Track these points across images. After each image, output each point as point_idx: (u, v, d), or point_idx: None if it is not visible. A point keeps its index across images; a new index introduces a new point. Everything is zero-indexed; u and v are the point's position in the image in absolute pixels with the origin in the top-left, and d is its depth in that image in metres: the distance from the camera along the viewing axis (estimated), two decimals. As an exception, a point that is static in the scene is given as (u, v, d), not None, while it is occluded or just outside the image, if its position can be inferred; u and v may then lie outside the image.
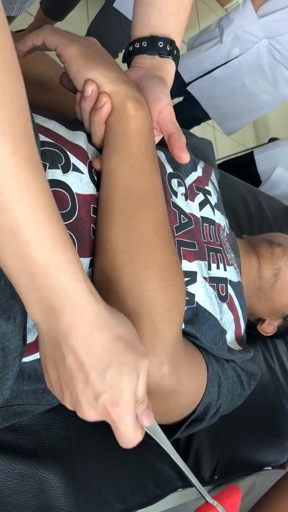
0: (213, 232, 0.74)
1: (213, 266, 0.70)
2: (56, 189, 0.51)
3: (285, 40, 1.48)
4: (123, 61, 0.65)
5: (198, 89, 1.69)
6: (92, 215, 0.54)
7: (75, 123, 0.60)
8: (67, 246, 0.37)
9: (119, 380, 0.40)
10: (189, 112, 1.87)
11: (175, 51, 0.61)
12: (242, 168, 1.85)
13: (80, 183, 0.54)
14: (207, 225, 0.72)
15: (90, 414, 0.41)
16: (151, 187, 0.53)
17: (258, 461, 0.94)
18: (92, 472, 0.68)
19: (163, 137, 0.58)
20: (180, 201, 0.67)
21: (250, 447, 0.92)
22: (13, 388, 0.54)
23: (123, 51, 0.70)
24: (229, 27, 1.54)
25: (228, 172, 1.39)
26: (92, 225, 0.54)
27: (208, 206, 0.74)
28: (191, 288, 0.64)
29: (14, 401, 0.56)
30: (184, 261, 0.64)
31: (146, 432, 0.47)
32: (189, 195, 0.70)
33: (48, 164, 0.51)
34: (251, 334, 0.98)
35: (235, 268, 0.77)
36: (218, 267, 0.71)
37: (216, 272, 0.70)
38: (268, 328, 0.95)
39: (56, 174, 0.52)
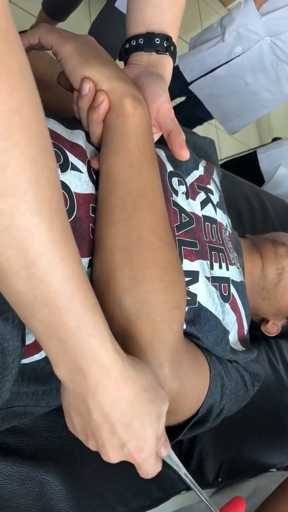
0: (215, 231, 0.73)
1: (215, 265, 0.69)
2: None
3: (287, 38, 1.47)
4: (120, 59, 0.64)
5: (201, 88, 1.68)
6: (91, 214, 0.54)
7: (73, 122, 0.59)
8: (96, 310, 0.39)
9: (143, 429, 0.43)
10: (192, 111, 1.86)
11: (172, 47, 0.61)
12: (245, 167, 1.84)
13: (78, 182, 0.53)
14: (209, 224, 0.71)
15: (114, 458, 0.44)
16: (150, 186, 0.53)
17: (263, 463, 0.93)
18: (94, 475, 0.67)
19: (163, 135, 0.57)
20: (180, 199, 0.66)
21: (254, 449, 0.91)
22: (12, 390, 0.53)
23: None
24: (231, 26, 1.53)
25: (231, 171, 1.38)
26: (91, 224, 0.53)
27: (210, 205, 0.73)
28: (193, 288, 0.63)
29: (14, 402, 0.55)
30: (185, 261, 0.63)
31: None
32: (191, 194, 0.70)
33: None
34: (255, 335, 0.97)
35: (237, 267, 0.76)
36: (220, 267, 0.70)
37: (218, 271, 0.69)
38: (272, 328, 0.94)
39: None
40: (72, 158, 0.54)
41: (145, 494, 0.72)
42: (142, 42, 0.60)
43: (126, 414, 0.41)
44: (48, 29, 0.54)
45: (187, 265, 0.63)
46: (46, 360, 0.53)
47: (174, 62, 0.63)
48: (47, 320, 0.36)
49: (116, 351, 0.40)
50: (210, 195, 0.74)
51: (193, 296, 0.63)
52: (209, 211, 0.72)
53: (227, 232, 0.78)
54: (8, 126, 0.29)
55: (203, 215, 0.70)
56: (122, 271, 0.50)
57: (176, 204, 0.65)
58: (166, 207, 0.59)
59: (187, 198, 0.68)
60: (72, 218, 0.51)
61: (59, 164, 0.52)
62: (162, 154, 0.69)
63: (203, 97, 1.71)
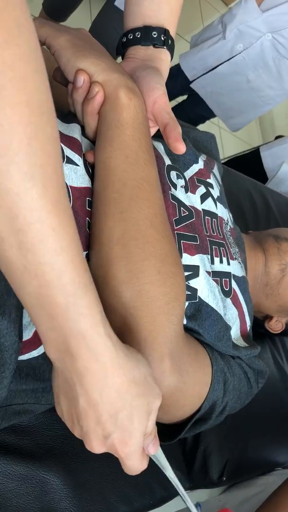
0: (216, 226, 0.72)
1: (216, 260, 0.68)
2: None
3: (289, 34, 1.47)
4: (117, 53, 0.64)
5: (202, 86, 1.68)
6: (87, 208, 0.53)
7: (69, 116, 0.59)
8: (88, 289, 0.37)
9: (130, 423, 0.41)
10: (194, 110, 1.86)
11: (169, 41, 0.60)
12: (249, 165, 1.83)
13: (74, 175, 0.53)
14: (209, 218, 0.70)
15: (97, 448, 0.43)
16: (147, 177, 0.52)
17: (269, 461, 0.92)
18: (95, 474, 0.66)
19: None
20: (179, 193, 0.65)
21: (259, 448, 0.90)
22: (11, 388, 0.52)
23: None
24: (232, 23, 1.52)
25: (234, 169, 1.37)
26: (87, 218, 0.53)
27: (210, 199, 0.72)
28: (193, 283, 0.62)
29: (13, 400, 0.55)
30: (185, 255, 0.62)
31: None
32: (190, 188, 0.69)
33: None
34: (259, 332, 0.96)
35: (239, 262, 0.75)
36: (221, 261, 0.69)
37: (219, 266, 0.68)
38: (276, 325, 0.93)
39: None
40: (67, 152, 0.53)
41: (148, 493, 0.71)
42: (139, 36, 0.59)
43: (113, 405, 0.40)
44: (41, 22, 0.54)
45: (187, 259, 0.62)
46: (44, 356, 0.52)
47: (172, 56, 0.62)
48: (36, 294, 0.35)
49: (108, 336, 0.39)
50: (210, 189, 0.73)
51: (194, 291, 0.62)
52: (209, 205, 0.71)
53: (228, 227, 0.77)
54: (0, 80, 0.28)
55: (203, 209, 0.69)
56: (119, 264, 0.49)
57: (174, 198, 0.64)
58: (165, 201, 0.58)
59: (186, 192, 0.67)
60: None
61: None
62: (160, 147, 0.68)
63: (205, 95, 1.71)
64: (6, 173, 0.30)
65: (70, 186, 0.52)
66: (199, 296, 0.63)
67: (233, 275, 0.71)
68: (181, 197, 0.66)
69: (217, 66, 1.60)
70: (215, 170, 0.82)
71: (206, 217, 0.69)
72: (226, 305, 0.68)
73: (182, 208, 0.64)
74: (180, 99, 1.95)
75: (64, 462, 0.63)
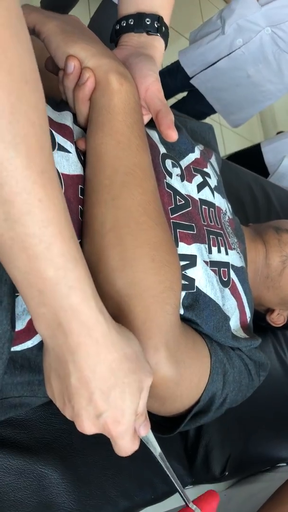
0: (213, 215, 0.71)
1: (214, 249, 0.67)
2: None
3: (288, 27, 1.46)
4: (110, 41, 0.63)
5: (202, 82, 1.67)
6: (79, 196, 0.52)
7: (61, 104, 0.58)
8: (78, 263, 0.37)
9: (122, 400, 0.40)
10: (194, 106, 1.85)
11: (163, 28, 0.59)
12: (250, 160, 1.82)
13: (66, 163, 0.52)
14: (206, 207, 0.69)
15: (89, 428, 0.41)
16: (139, 163, 0.51)
17: (271, 456, 0.91)
18: (95, 468, 0.65)
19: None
20: (175, 182, 0.65)
21: (262, 442, 0.89)
22: (5, 380, 0.52)
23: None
24: (230, 18, 1.52)
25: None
26: (80, 206, 0.52)
27: (207, 188, 0.71)
28: (190, 272, 0.61)
29: (8, 393, 0.54)
30: (181, 244, 0.61)
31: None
32: (186, 177, 0.68)
33: None
34: (261, 326, 0.95)
35: (237, 252, 0.74)
36: (219, 251, 0.68)
37: (217, 256, 0.67)
38: (278, 318, 0.92)
39: None
40: (59, 139, 0.52)
41: (149, 487, 0.70)
42: (132, 23, 0.58)
43: (105, 381, 0.39)
44: (29, 8, 0.53)
45: (184, 248, 0.61)
46: (39, 347, 0.51)
47: (166, 43, 0.61)
48: (25, 267, 0.34)
49: (100, 311, 0.38)
50: (207, 178, 0.72)
51: (191, 280, 0.61)
52: (206, 194, 0.70)
53: (227, 217, 0.76)
54: None
55: (199, 198, 0.68)
56: (112, 251, 0.48)
57: (170, 186, 0.63)
58: (159, 189, 0.57)
59: (182, 181, 0.66)
60: None
61: None
62: (155, 136, 0.67)
63: (205, 91, 1.70)
64: None
65: (62, 174, 0.51)
66: (196, 286, 0.62)
67: (232, 265, 0.70)
68: (177, 185, 0.65)
69: (217, 61, 1.59)
70: (213, 160, 0.81)
71: (203, 206, 0.69)
72: (225, 295, 0.67)
73: (178, 196, 0.64)
74: (180, 96, 1.94)
75: (62, 456, 0.63)
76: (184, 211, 0.64)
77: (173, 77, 1.75)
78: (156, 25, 0.58)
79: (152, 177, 0.53)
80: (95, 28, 1.45)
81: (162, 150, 0.66)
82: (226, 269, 0.68)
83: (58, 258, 0.35)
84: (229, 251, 0.70)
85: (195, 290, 0.61)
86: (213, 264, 0.66)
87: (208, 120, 1.94)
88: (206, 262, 0.64)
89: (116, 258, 0.48)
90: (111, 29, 1.42)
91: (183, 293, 0.60)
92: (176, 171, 0.66)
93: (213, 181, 0.74)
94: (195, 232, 0.64)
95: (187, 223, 0.63)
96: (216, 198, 0.73)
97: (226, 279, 0.68)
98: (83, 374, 0.38)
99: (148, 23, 0.58)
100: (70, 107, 0.57)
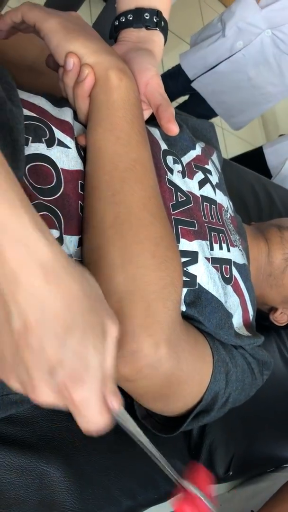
0: (215, 212, 0.70)
1: (216, 246, 0.67)
2: (40, 163, 0.49)
3: (288, 29, 1.46)
4: (110, 37, 0.63)
5: (203, 85, 1.67)
6: (79, 191, 0.52)
7: (62, 101, 0.58)
8: (8, 177, 0.30)
9: (83, 347, 0.31)
10: (195, 110, 1.85)
11: (162, 22, 0.59)
12: (252, 163, 1.81)
13: (66, 158, 0.52)
14: (208, 204, 0.69)
15: (44, 393, 0.31)
16: (139, 159, 0.51)
17: (276, 456, 0.90)
18: (97, 466, 0.65)
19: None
20: (176, 178, 0.65)
21: (266, 442, 0.88)
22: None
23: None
24: (231, 20, 1.52)
25: (236, 166, 1.36)
26: (80, 202, 0.52)
27: (208, 185, 0.71)
28: (192, 269, 0.61)
29: (9, 389, 0.53)
30: (183, 240, 0.61)
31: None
32: (187, 173, 0.68)
33: (31, 138, 0.50)
34: (264, 326, 0.94)
35: (240, 250, 0.74)
36: (221, 248, 0.68)
37: (219, 252, 0.67)
38: (281, 317, 0.91)
39: (40, 148, 0.50)
40: (59, 134, 0.52)
41: (152, 487, 0.70)
42: (131, 18, 0.59)
43: (59, 322, 0.30)
44: (30, 5, 0.54)
45: (185, 245, 0.61)
46: None
47: (165, 38, 0.61)
48: None
49: (39, 229, 0.30)
50: (208, 175, 0.72)
51: (193, 277, 0.61)
52: (207, 191, 0.70)
53: (228, 214, 0.76)
54: None
55: (201, 195, 0.68)
56: (113, 247, 0.48)
57: (171, 183, 0.63)
58: (160, 186, 0.57)
59: (184, 177, 0.66)
60: (58, 194, 0.50)
61: (45, 140, 0.51)
62: (156, 133, 0.67)
63: (206, 94, 1.70)
64: None
65: (62, 169, 0.51)
66: (198, 283, 0.61)
67: (234, 262, 0.70)
68: (178, 182, 0.65)
69: (218, 64, 1.60)
70: (214, 157, 0.81)
71: (205, 203, 0.68)
72: (227, 292, 0.66)
73: (179, 193, 0.63)
74: (182, 100, 1.95)
75: (65, 454, 0.62)
76: (185, 207, 0.64)
77: (175, 81, 1.76)
78: (155, 20, 0.58)
79: (152, 173, 0.53)
80: (99, 31, 1.46)
81: (164, 146, 0.66)
82: (228, 266, 0.68)
83: None
84: (231, 248, 0.70)
85: (197, 287, 0.61)
86: (214, 261, 0.65)
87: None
88: (207, 259, 0.64)
89: (116, 254, 0.48)
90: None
91: (184, 290, 0.59)
92: (177, 167, 0.66)
93: (214, 178, 0.74)
94: (196, 228, 0.64)
95: (188, 219, 0.63)
96: (218, 195, 0.73)
97: (228, 276, 0.68)
98: (27, 315, 0.29)
99: (147, 17, 0.58)
100: (70, 104, 0.57)
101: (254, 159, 1.84)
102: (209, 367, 0.60)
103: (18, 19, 0.54)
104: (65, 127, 0.54)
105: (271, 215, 1.25)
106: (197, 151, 0.73)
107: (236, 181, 1.22)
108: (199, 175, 0.70)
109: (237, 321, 0.70)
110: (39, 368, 0.30)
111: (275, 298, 0.87)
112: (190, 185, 0.67)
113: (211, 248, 0.66)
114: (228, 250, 0.69)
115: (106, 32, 1.45)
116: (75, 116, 0.57)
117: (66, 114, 0.56)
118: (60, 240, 0.49)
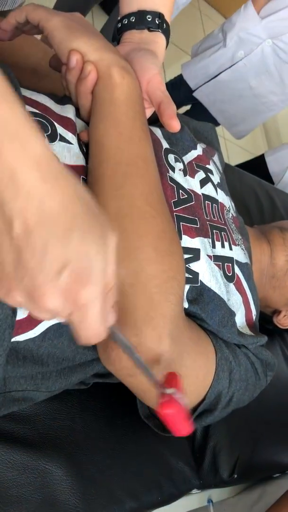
0: (216, 211, 0.71)
1: (218, 244, 0.67)
2: None
3: (289, 39, 1.48)
4: (113, 40, 0.64)
5: (205, 94, 1.69)
6: None
7: (64, 99, 0.59)
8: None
9: (87, 247, 0.30)
10: (198, 119, 1.85)
11: (164, 25, 0.60)
12: (254, 170, 1.82)
13: (68, 154, 0.53)
14: (209, 203, 0.69)
15: (50, 297, 0.30)
16: (141, 155, 0.52)
17: (282, 461, 0.88)
18: (100, 466, 0.64)
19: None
20: (177, 176, 0.65)
21: (271, 446, 0.87)
22: (8, 372, 0.51)
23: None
24: (232, 31, 1.54)
25: (238, 173, 1.37)
26: None
27: (210, 184, 0.71)
28: (194, 266, 0.61)
29: (11, 387, 0.54)
30: (185, 237, 0.61)
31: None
32: (189, 172, 0.68)
33: None
34: (268, 329, 0.94)
35: (242, 249, 0.74)
36: (223, 246, 0.68)
37: (221, 250, 0.67)
38: (285, 320, 0.91)
39: None
40: (60, 130, 0.53)
41: (156, 489, 0.69)
42: (133, 20, 0.60)
43: (59, 222, 0.29)
44: (34, 5, 0.55)
45: (187, 241, 0.61)
46: (42, 338, 0.51)
47: (167, 40, 0.62)
48: None
49: (35, 130, 0.28)
50: (210, 174, 0.72)
51: (195, 274, 0.61)
52: (209, 190, 0.71)
53: (230, 214, 0.76)
54: None
55: (203, 194, 0.69)
56: None
57: (173, 180, 0.63)
58: (162, 183, 0.58)
59: (185, 175, 0.67)
60: None
61: (47, 135, 0.51)
62: (158, 132, 0.68)
63: (208, 103, 1.72)
64: None
65: (64, 164, 0.52)
66: (200, 280, 0.61)
67: (236, 260, 0.70)
68: (180, 180, 0.65)
69: (219, 74, 1.62)
70: (215, 158, 0.82)
71: (206, 201, 0.69)
72: (230, 290, 0.66)
73: (180, 190, 0.64)
74: (184, 110, 1.96)
75: (67, 453, 0.62)
76: (187, 205, 0.64)
77: (177, 91, 1.78)
78: (157, 22, 0.59)
79: (154, 168, 0.54)
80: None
81: (165, 145, 0.67)
82: (230, 264, 0.68)
83: None
84: (233, 246, 0.70)
85: (199, 284, 0.61)
86: (217, 259, 0.65)
87: (212, 133, 1.96)
88: (209, 256, 0.64)
89: (118, 248, 0.48)
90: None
91: (187, 287, 0.59)
92: (179, 165, 0.67)
93: (216, 178, 0.74)
94: (198, 226, 0.64)
95: (190, 216, 0.63)
96: (219, 194, 0.73)
97: (230, 274, 0.68)
98: (27, 217, 0.28)
99: (149, 19, 0.59)
100: (73, 102, 0.58)
101: (256, 167, 1.84)
102: (212, 365, 0.59)
103: (22, 19, 0.55)
104: (67, 124, 0.55)
105: (273, 220, 1.26)
106: (198, 151, 0.73)
107: (238, 185, 1.23)
108: (201, 174, 0.70)
109: (240, 320, 0.69)
110: (44, 271, 0.29)
111: (278, 300, 0.87)
112: (192, 183, 0.67)
113: (213, 246, 0.66)
114: (230, 249, 0.69)
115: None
116: (77, 114, 0.58)
117: (68, 111, 0.56)
118: None
